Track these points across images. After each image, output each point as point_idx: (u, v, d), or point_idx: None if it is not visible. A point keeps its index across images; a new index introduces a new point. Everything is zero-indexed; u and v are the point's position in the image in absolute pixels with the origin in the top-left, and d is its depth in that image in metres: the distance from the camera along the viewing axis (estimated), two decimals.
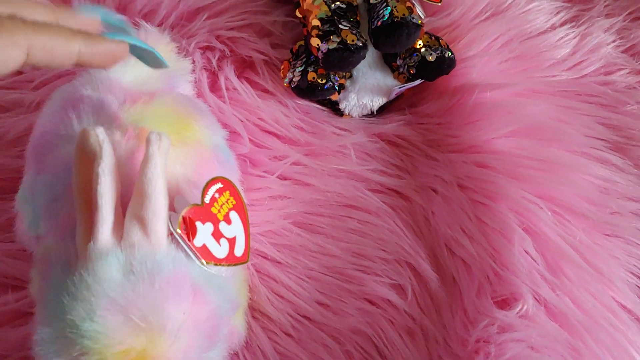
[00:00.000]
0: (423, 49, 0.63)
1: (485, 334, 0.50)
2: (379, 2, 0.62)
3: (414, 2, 0.66)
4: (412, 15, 0.60)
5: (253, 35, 0.70)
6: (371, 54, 0.64)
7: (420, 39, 0.63)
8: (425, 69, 0.63)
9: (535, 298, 0.52)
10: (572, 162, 0.60)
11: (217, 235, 0.44)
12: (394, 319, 0.54)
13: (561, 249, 0.54)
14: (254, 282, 0.55)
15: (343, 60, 0.59)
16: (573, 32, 0.70)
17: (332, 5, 0.62)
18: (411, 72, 0.63)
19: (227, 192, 0.45)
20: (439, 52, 0.63)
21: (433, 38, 0.64)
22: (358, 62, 0.61)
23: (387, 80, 0.65)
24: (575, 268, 0.54)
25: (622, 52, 0.70)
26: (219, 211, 0.44)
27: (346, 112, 0.67)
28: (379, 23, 0.60)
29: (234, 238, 0.45)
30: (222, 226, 0.44)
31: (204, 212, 0.43)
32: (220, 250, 0.43)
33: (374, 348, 0.53)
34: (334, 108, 0.67)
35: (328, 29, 0.60)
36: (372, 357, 0.52)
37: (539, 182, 0.58)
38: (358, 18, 0.63)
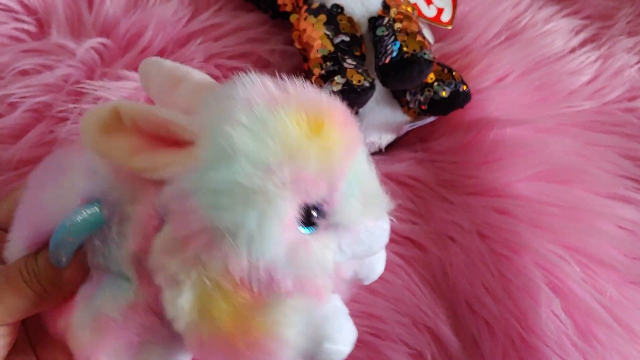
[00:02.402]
0: (435, 84, 0.58)
1: None
2: (386, 35, 0.57)
3: (421, 26, 0.61)
4: (423, 51, 0.55)
5: (250, 65, 0.65)
6: (379, 89, 0.59)
7: (432, 72, 0.59)
8: (438, 105, 0.58)
9: None
10: (598, 206, 0.56)
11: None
12: None
13: (591, 309, 0.51)
14: None
15: (350, 102, 0.53)
16: (594, 54, 0.65)
17: (335, 39, 0.57)
18: (422, 107, 0.59)
19: None
20: (452, 86, 0.58)
21: (445, 71, 0.59)
22: (365, 103, 0.56)
23: (396, 115, 0.61)
24: (606, 330, 0.50)
25: None
26: None
27: None
28: (387, 60, 0.55)
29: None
30: None
31: None
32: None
33: None
34: None
35: (332, 68, 0.55)
36: None
37: (565, 231, 0.54)
38: (363, 50, 0.58)
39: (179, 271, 0.34)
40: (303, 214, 0.34)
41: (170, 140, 0.35)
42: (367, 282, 0.39)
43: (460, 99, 0.58)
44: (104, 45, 0.63)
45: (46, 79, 0.61)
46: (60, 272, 0.38)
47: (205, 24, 0.66)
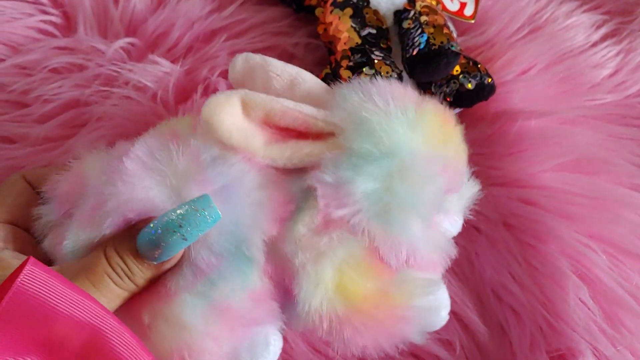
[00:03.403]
0: (461, 76, 0.59)
1: None
2: (412, 28, 0.58)
3: (446, 19, 0.62)
4: (450, 43, 0.56)
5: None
6: (405, 80, 0.60)
7: (457, 64, 0.59)
8: (463, 97, 0.59)
9: (594, 353, 0.49)
10: (622, 196, 0.57)
11: None
12: None
13: (619, 297, 0.51)
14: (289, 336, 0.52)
15: None
16: (615, 49, 0.66)
17: (362, 32, 0.58)
18: (447, 99, 0.59)
19: None
20: (478, 78, 0.59)
21: (471, 63, 0.60)
22: None
23: None
24: (633, 317, 0.51)
25: None
26: None
27: None
28: (415, 52, 0.56)
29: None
30: None
31: None
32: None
33: None
34: None
35: (360, 59, 0.56)
36: None
37: (591, 221, 0.55)
38: (389, 43, 0.59)
39: (326, 250, 0.37)
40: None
41: (298, 131, 0.38)
42: None
43: (485, 91, 0.59)
44: (131, 44, 0.64)
45: (76, 79, 0.63)
46: (157, 267, 0.37)
47: (230, 19, 0.67)
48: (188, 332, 0.37)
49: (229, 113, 0.37)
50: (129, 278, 0.36)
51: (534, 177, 0.57)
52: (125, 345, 0.30)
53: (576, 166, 0.58)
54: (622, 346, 0.49)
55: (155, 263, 0.36)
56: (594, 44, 0.67)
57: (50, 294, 0.29)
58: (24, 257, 0.35)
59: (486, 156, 0.60)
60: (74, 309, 0.30)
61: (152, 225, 0.35)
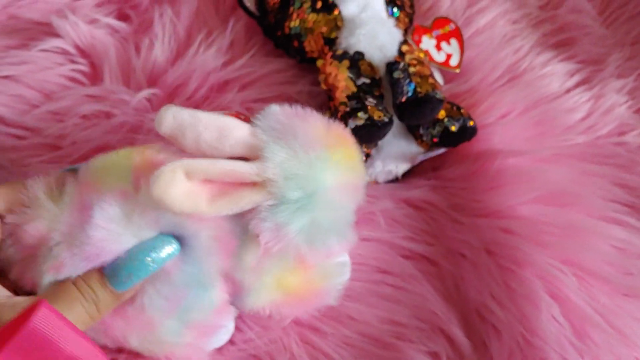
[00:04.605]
0: (446, 120, 0.66)
1: None
2: (402, 78, 0.65)
3: (432, 70, 0.70)
4: (435, 91, 0.63)
5: (278, 104, 0.73)
6: (396, 123, 0.67)
7: (442, 109, 0.67)
8: (448, 138, 0.66)
9: None
10: (592, 226, 0.63)
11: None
12: None
13: (586, 314, 0.57)
14: (298, 351, 0.58)
15: (371, 135, 0.62)
16: (587, 94, 0.73)
17: (358, 81, 0.65)
18: (434, 140, 0.67)
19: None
20: (461, 122, 0.66)
21: (454, 108, 0.67)
22: (384, 136, 0.64)
23: (411, 147, 0.68)
24: (600, 332, 0.57)
25: (634, 112, 0.73)
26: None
27: (372, 178, 0.70)
28: (404, 99, 0.63)
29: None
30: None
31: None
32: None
33: None
34: None
35: (355, 105, 0.63)
36: None
37: (562, 247, 0.61)
38: (382, 90, 0.67)
39: (266, 267, 0.51)
40: None
41: (237, 184, 0.48)
42: None
43: (467, 132, 0.66)
44: (153, 94, 0.72)
45: (106, 126, 0.70)
46: (120, 296, 0.47)
47: (241, 71, 0.74)
48: (170, 346, 0.52)
49: (176, 186, 0.46)
50: (95, 305, 0.46)
51: (512, 208, 0.64)
52: None
53: (550, 199, 0.64)
54: (588, 357, 0.55)
55: (118, 291, 0.46)
56: (568, 90, 0.74)
57: (59, 335, 0.37)
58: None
59: (469, 190, 0.67)
60: (78, 350, 0.38)
61: (130, 259, 0.47)
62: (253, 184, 0.48)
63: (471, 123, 0.66)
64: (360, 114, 0.62)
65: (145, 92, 0.71)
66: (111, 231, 0.47)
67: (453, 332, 0.59)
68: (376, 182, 0.70)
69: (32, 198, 0.50)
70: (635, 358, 0.56)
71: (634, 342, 0.57)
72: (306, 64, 0.75)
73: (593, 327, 0.57)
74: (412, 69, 0.66)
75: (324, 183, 0.49)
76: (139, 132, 0.69)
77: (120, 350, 0.55)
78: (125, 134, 0.70)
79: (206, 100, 0.73)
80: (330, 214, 0.49)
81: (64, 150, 0.70)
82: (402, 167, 0.69)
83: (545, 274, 0.59)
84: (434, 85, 0.64)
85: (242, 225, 0.50)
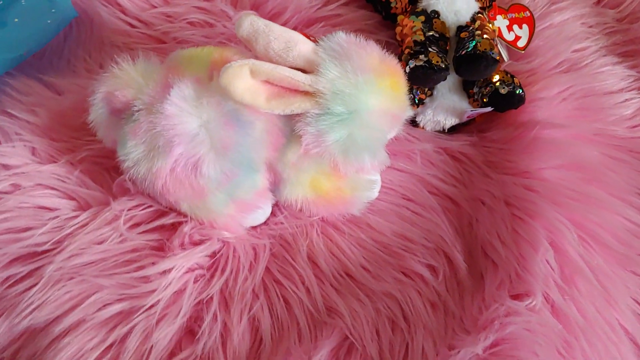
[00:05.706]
0: (497, 83, 0.73)
1: (494, 314, 0.58)
2: (467, 37, 0.72)
3: (500, 46, 0.77)
4: (492, 51, 0.70)
5: None
6: (452, 79, 0.74)
7: (497, 73, 0.73)
8: (496, 100, 0.72)
9: (545, 297, 0.60)
10: (609, 202, 0.67)
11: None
12: (423, 291, 0.63)
13: (578, 266, 0.62)
14: (317, 240, 0.66)
15: (426, 77, 0.70)
16: (638, 97, 0.78)
17: (427, 33, 0.73)
18: (484, 100, 0.73)
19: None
20: (511, 87, 0.72)
21: (509, 75, 0.74)
22: (439, 81, 0.71)
23: (462, 104, 0.75)
24: (586, 284, 0.61)
25: None
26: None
27: (421, 124, 0.77)
28: (463, 52, 0.70)
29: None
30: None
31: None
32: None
33: (400, 311, 0.62)
34: (411, 120, 0.78)
35: (419, 49, 0.71)
36: (397, 317, 0.61)
37: (574, 210, 0.65)
38: (447, 48, 0.74)
39: (304, 167, 0.62)
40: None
41: (292, 90, 0.58)
42: None
43: (515, 99, 0.73)
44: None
45: (205, 32, 0.82)
46: None
47: (330, 12, 0.84)
48: (215, 214, 0.64)
49: (241, 79, 0.55)
50: None
51: (538, 171, 0.69)
52: None
53: (574, 169, 0.69)
54: (569, 298, 0.60)
55: None
56: (621, 90, 0.78)
57: None
58: None
59: (505, 152, 0.73)
60: None
61: None
62: (305, 93, 0.58)
63: (520, 91, 0.73)
64: (421, 57, 0.70)
65: (244, 12, 0.82)
66: (182, 109, 0.57)
67: (455, 256, 0.65)
68: (423, 129, 0.77)
69: (126, 71, 0.62)
70: (614, 316, 0.60)
71: (617, 303, 0.61)
72: (389, 21, 0.84)
73: (582, 278, 0.62)
74: (477, 32, 0.73)
75: (366, 104, 0.57)
76: (231, 41, 0.80)
77: (171, 209, 0.66)
78: (220, 41, 0.80)
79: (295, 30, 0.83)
80: (366, 133, 0.58)
81: (167, 45, 0.82)
82: (450, 121, 0.76)
83: (551, 227, 0.64)
84: (493, 46, 0.71)
85: (291, 126, 0.60)
